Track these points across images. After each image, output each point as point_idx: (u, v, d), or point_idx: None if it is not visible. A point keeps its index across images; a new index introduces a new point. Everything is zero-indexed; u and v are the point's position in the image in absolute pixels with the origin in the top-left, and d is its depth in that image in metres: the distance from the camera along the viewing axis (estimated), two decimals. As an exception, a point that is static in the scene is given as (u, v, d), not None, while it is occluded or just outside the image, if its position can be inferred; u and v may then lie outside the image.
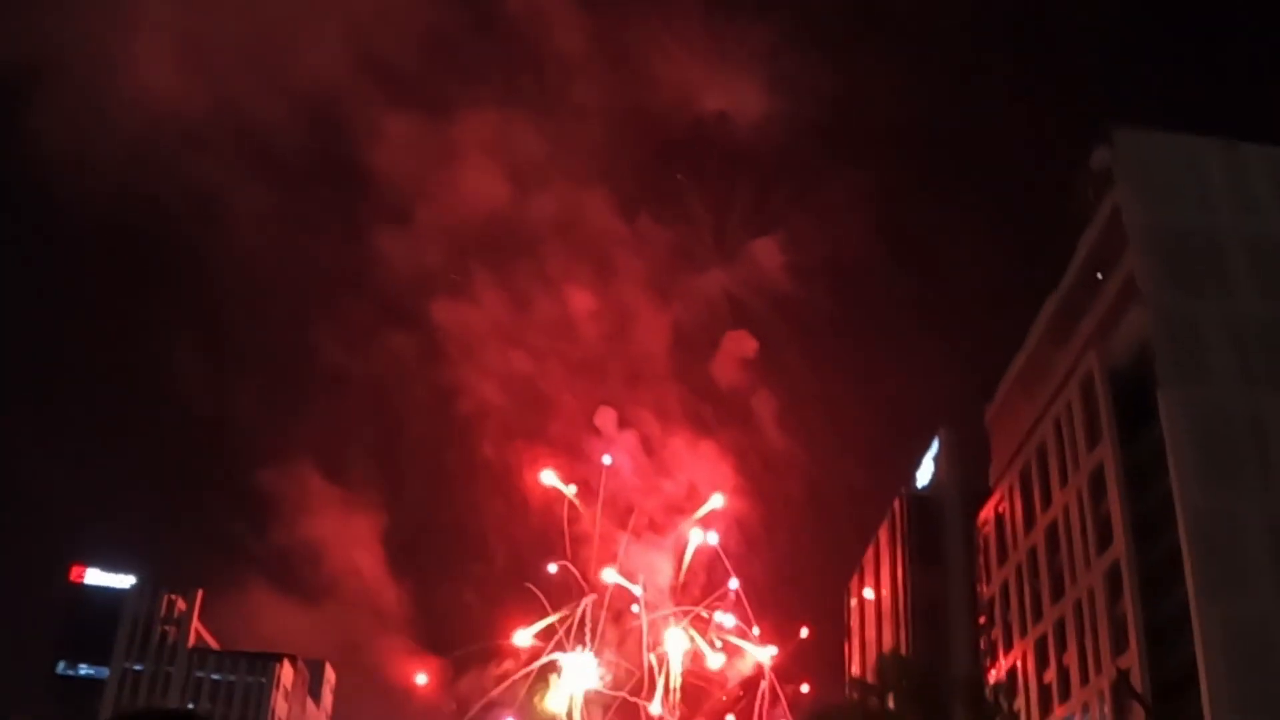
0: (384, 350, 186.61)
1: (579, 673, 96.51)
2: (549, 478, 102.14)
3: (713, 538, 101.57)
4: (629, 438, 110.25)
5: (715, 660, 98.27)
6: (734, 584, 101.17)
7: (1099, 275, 75.89)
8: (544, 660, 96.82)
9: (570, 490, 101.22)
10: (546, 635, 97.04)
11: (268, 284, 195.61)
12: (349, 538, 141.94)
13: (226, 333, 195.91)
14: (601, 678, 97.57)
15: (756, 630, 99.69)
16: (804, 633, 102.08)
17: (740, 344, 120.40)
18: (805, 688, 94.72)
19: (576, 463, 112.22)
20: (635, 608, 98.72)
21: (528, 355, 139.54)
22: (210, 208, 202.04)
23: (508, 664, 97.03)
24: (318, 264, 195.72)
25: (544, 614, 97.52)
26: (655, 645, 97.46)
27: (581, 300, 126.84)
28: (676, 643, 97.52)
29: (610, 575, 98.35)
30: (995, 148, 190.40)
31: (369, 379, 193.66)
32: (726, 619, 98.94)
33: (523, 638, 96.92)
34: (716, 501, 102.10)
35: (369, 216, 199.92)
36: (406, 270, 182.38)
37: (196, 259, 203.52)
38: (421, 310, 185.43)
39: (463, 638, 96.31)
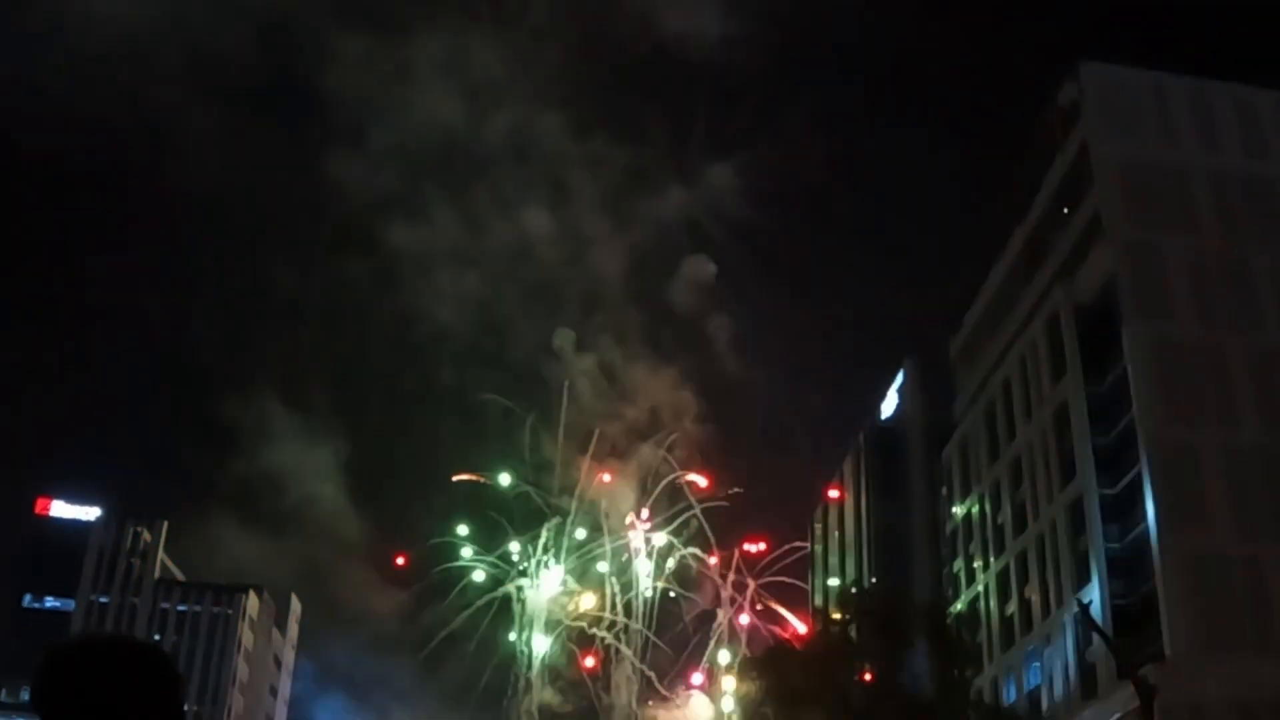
0: (340, 275, 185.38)
1: (541, 601, 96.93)
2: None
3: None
4: (587, 362, 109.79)
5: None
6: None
7: (1065, 210, 76.08)
8: (505, 590, 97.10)
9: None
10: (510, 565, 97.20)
11: (221, 208, 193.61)
12: (311, 466, 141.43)
13: (181, 259, 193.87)
14: (564, 606, 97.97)
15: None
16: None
17: (699, 268, 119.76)
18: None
19: (535, 387, 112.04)
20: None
21: (484, 279, 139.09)
22: (161, 131, 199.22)
23: (470, 594, 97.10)
24: (271, 187, 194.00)
25: (506, 539, 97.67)
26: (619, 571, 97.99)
27: (538, 223, 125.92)
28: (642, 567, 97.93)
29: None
30: (961, 78, 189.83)
31: (326, 304, 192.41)
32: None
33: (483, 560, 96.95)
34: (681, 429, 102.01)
35: (322, 139, 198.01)
36: (361, 193, 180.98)
37: (148, 184, 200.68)
38: (377, 234, 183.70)
39: (425, 567, 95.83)
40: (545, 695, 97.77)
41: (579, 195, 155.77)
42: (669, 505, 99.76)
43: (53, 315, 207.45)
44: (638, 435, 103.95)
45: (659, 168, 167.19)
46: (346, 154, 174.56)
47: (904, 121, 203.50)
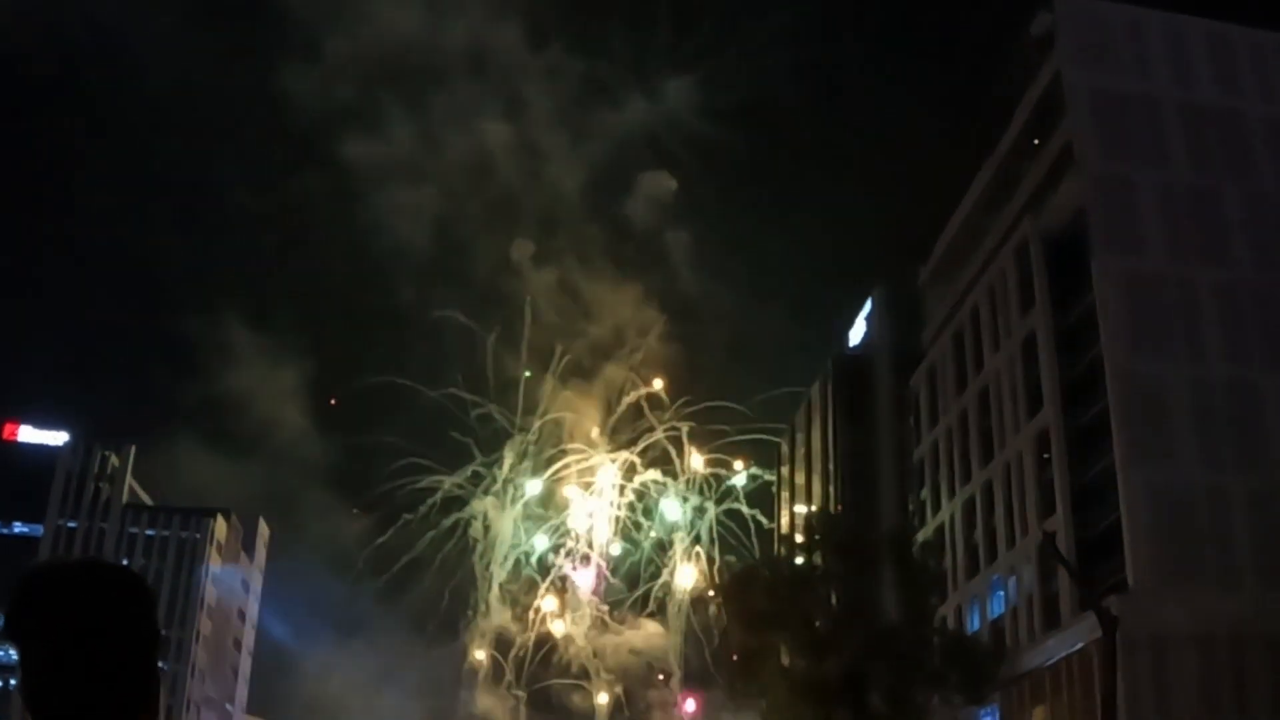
0: (299, 191, 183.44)
1: (502, 524, 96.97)
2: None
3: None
4: (548, 277, 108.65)
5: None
6: None
7: (1036, 141, 75.91)
8: (469, 512, 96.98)
9: None
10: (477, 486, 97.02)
11: (177, 125, 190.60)
12: (276, 387, 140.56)
13: (139, 177, 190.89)
14: (527, 529, 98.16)
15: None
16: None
17: (658, 184, 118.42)
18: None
19: (495, 306, 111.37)
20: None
21: (443, 194, 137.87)
22: (113, 45, 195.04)
23: (435, 517, 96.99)
24: (228, 102, 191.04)
25: (472, 460, 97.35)
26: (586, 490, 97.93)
27: (496, 136, 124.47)
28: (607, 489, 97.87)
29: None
30: (934, 3, 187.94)
31: (286, 221, 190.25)
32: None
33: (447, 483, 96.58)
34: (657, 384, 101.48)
35: (278, 51, 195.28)
36: (318, 107, 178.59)
37: (103, 101, 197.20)
38: (335, 149, 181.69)
39: (391, 491, 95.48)
40: (502, 619, 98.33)
41: (537, 109, 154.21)
42: (633, 425, 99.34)
43: (13, 238, 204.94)
44: (602, 354, 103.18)
45: (619, 81, 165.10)
46: (302, 67, 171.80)
47: (874, 47, 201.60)
